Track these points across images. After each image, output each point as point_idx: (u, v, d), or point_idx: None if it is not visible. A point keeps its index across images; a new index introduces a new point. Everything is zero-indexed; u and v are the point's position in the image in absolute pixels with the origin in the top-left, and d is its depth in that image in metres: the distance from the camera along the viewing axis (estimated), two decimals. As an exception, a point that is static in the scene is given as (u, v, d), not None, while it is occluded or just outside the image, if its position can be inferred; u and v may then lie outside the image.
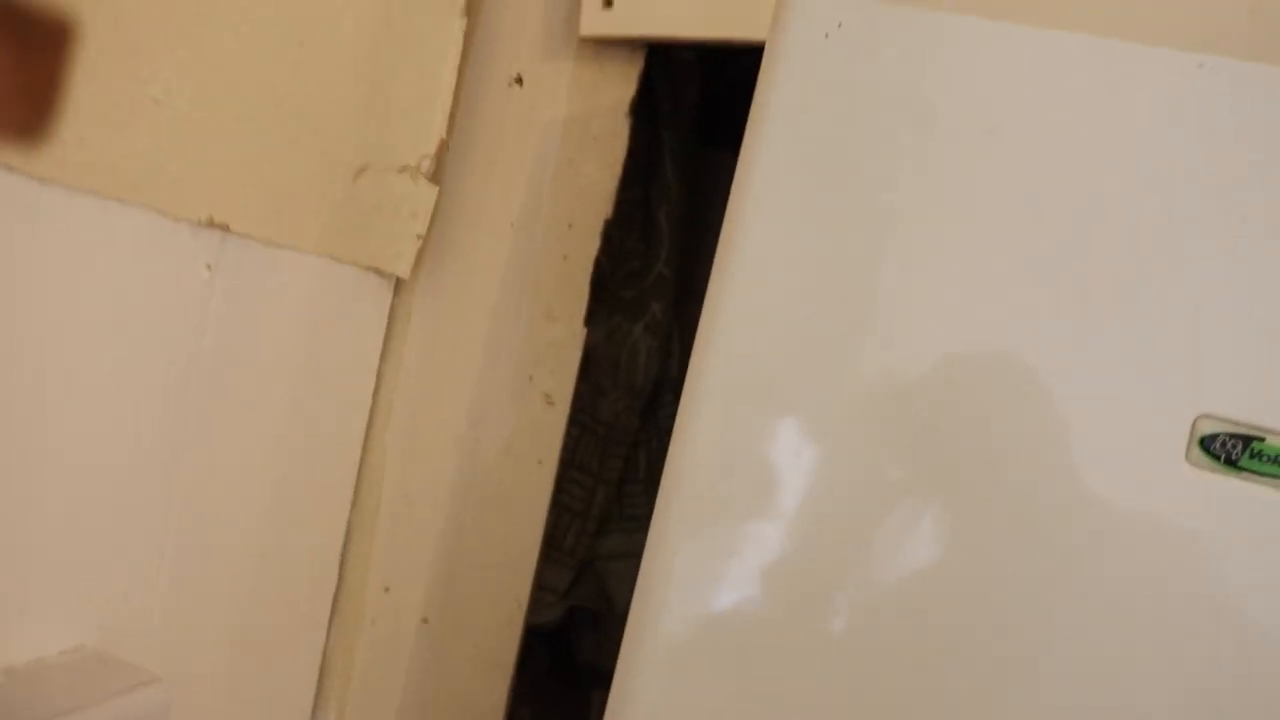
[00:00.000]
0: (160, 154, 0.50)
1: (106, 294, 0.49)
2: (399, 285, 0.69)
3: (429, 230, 0.67)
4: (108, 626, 0.52)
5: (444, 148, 0.68)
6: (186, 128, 0.51)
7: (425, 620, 0.70)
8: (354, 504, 0.68)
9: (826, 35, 0.57)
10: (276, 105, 0.56)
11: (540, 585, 0.80)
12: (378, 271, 0.67)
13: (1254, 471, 0.53)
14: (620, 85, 0.69)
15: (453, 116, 0.68)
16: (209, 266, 0.54)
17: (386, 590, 0.69)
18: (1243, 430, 0.53)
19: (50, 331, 0.47)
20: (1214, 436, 0.53)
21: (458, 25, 0.67)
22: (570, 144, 0.69)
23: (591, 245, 0.69)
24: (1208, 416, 0.53)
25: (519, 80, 0.69)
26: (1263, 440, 0.52)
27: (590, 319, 0.72)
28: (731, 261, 0.59)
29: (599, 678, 0.77)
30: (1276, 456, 0.52)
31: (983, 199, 0.56)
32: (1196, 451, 0.53)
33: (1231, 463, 0.53)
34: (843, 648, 0.58)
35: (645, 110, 0.78)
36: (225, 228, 0.54)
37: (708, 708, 0.59)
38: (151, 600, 0.55)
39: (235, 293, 0.56)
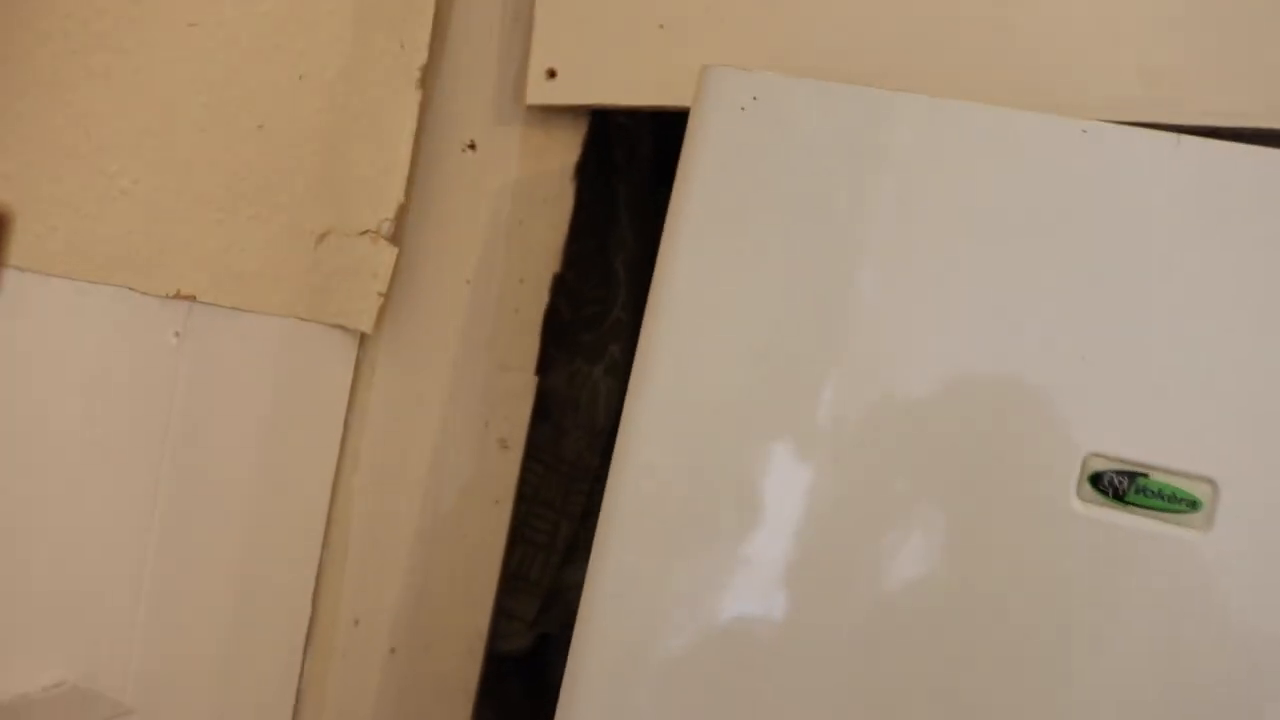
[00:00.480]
0: (130, 237, 0.55)
1: (82, 362, 0.54)
2: (363, 340, 0.74)
3: (390, 288, 0.72)
4: (89, 663, 0.57)
5: (403, 211, 0.73)
6: (154, 212, 0.56)
7: (393, 651, 0.75)
8: (324, 544, 0.73)
9: (742, 108, 0.62)
10: (239, 184, 0.61)
11: (509, 615, 0.85)
12: (342, 328, 0.72)
13: (1139, 505, 0.57)
14: (566, 149, 0.74)
15: (410, 181, 0.73)
16: (177, 334, 0.59)
17: (356, 623, 0.74)
18: (1128, 467, 0.57)
19: (31, 396, 0.52)
20: (1101, 474, 0.57)
21: (413, 97, 0.72)
22: (520, 205, 0.74)
23: (541, 298, 0.74)
24: (1096, 455, 0.57)
25: (472, 146, 0.75)
26: (1146, 476, 0.57)
27: (545, 366, 0.77)
28: (661, 313, 0.63)
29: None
30: (1160, 490, 0.57)
31: (884, 252, 0.60)
32: (1087, 487, 0.58)
33: (1119, 497, 0.57)
34: (773, 665, 0.62)
35: (600, 164, 0.83)
36: (192, 298, 0.59)
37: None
38: (130, 639, 0.60)
39: (203, 355, 0.61)
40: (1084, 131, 0.59)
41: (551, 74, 0.71)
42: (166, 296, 0.58)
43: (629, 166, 0.88)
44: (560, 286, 0.79)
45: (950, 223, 0.60)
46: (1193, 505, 0.56)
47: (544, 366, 0.77)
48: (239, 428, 0.65)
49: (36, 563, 0.55)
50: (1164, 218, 0.57)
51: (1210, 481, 0.56)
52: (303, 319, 0.68)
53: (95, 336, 0.55)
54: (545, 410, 0.83)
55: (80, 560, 0.57)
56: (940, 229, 0.60)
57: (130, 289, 0.56)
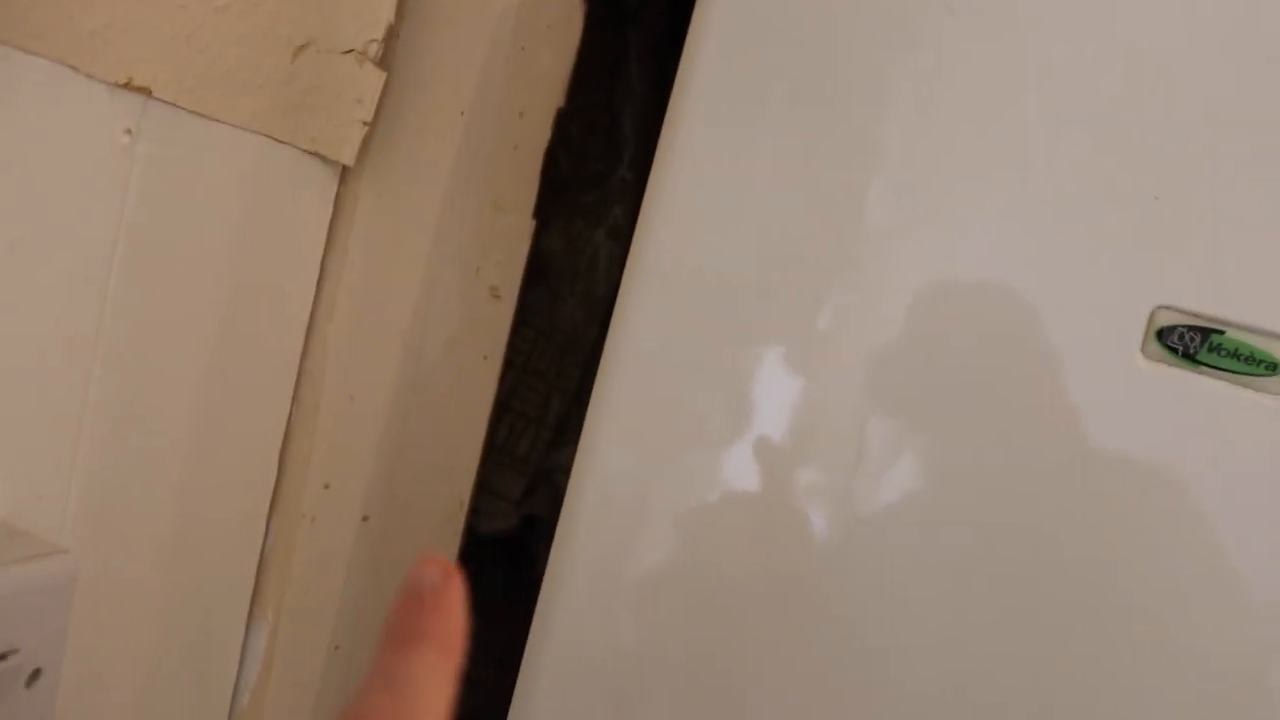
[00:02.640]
0: (72, 4, 0.47)
1: (9, 144, 0.47)
2: (345, 173, 0.67)
3: (376, 117, 0.65)
4: (20, 499, 0.51)
5: (393, 32, 0.65)
6: (101, -20, 0.48)
7: (366, 518, 0.69)
8: (294, 398, 0.67)
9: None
10: (205, -32, 0.54)
11: (493, 492, 0.79)
12: (321, 158, 0.64)
13: (1212, 366, 0.51)
14: (576, -30, 0.66)
15: (402, 0, 0.65)
16: (128, 131, 0.52)
17: (326, 487, 0.67)
18: (1202, 323, 0.51)
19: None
20: (1172, 329, 0.51)
21: (408, -97, 0.64)
22: (523, 31, 0.67)
23: (543, 135, 0.67)
24: (1166, 308, 0.51)
25: (472, -37, 0.67)
26: (1222, 333, 0.50)
27: (543, 214, 0.70)
28: (663, 191, 0.57)
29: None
30: (1235, 350, 0.50)
31: (927, 86, 0.54)
32: (1154, 344, 0.51)
33: (1189, 356, 0.51)
34: (772, 581, 0.56)
35: (611, 10, 0.76)
36: (147, 92, 0.52)
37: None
38: (69, 476, 0.53)
39: (159, 160, 0.54)
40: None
41: (564, -119, 0.64)
42: (115, 84, 0.50)
43: (642, 12, 0.80)
44: (562, 134, 0.72)
45: (1001, 47, 0.53)
46: (1272, 368, 0.50)
47: (542, 214, 0.70)
48: (200, 252, 0.58)
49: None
50: (1251, 36, 0.50)
51: (1293, 342, 0.50)
52: (276, 139, 0.61)
53: (27, 118, 0.47)
54: (540, 273, 0.76)
55: (8, 384, 0.50)
56: (988, 53, 0.53)
57: (71, 67, 0.48)
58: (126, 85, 0.51)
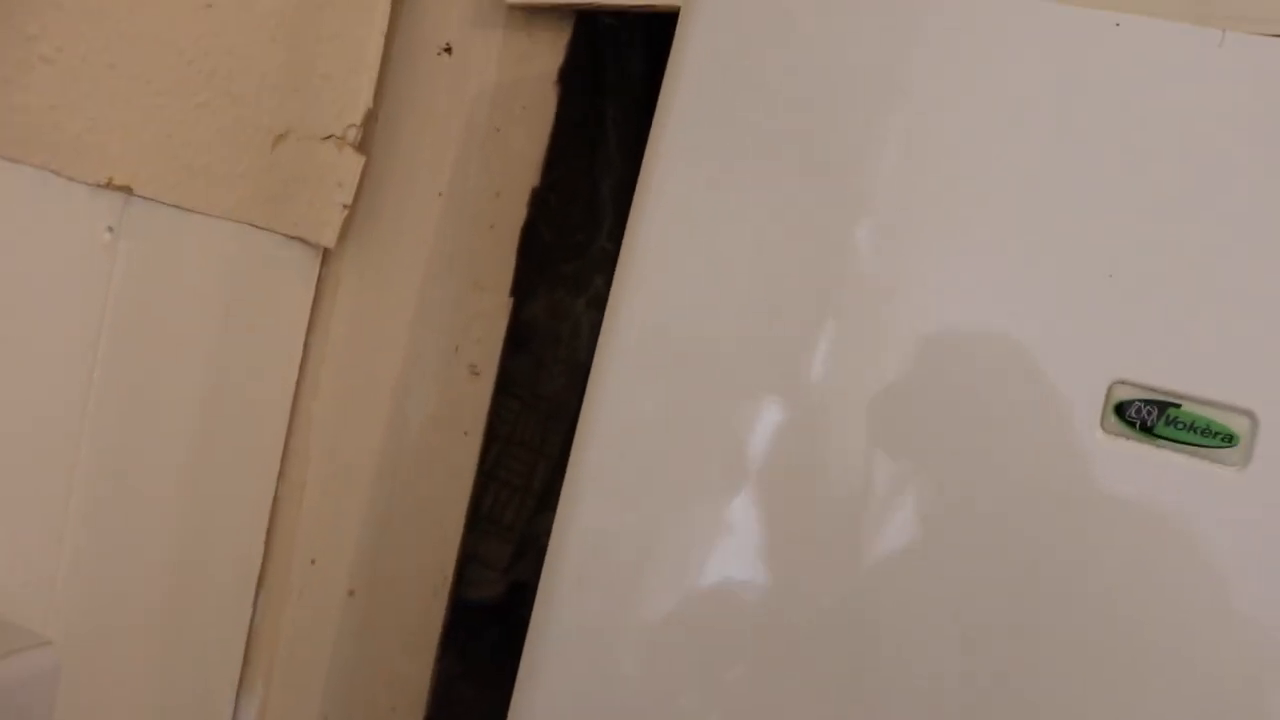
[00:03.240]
0: (53, 113, 0.49)
1: (-6, 252, 0.49)
2: (326, 255, 0.68)
3: (356, 200, 0.67)
4: (4, 592, 0.52)
5: (371, 117, 0.67)
6: (81, 88, 0.50)
7: (352, 593, 0.69)
8: (280, 475, 0.68)
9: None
10: (184, 67, 0.55)
11: (480, 561, 0.80)
12: (303, 241, 0.66)
13: (1170, 439, 0.52)
14: (549, 54, 0.68)
15: (380, 85, 0.67)
16: (110, 229, 0.54)
17: (313, 562, 0.68)
18: (1158, 397, 0.52)
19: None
20: (1129, 403, 0.52)
21: (384, -8, 0.66)
22: (499, 113, 0.68)
23: (519, 214, 0.68)
24: (1123, 383, 0.52)
25: (448, 49, 0.69)
26: (1179, 407, 0.51)
27: (525, 290, 0.71)
28: (640, 241, 0.58)
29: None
30: (1193, 423, 0.51)
31: (886, 163, 0.55)
32: (1112, 419, 0.52)
33: (1148, 430, 0.52)
34: (757, 629, 0.57)
35: (589, 82, 0.77)
36: (128, 190, 0.54)
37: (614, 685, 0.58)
38: (55, 569, 0.54)
39: (141, 254, 0.56)
40: (1117, 25, 0.53)
41: (535, -31, 0.66)
42: (97, 185, 0.52)
43: (620, 86, 0.82)
44: (542, 207, 0.73)
45: (965, 125, 0.54)
46: (1228, 439, 0.51)
47: (521, 290, 0.71)
48: (184, 337, 0.60)
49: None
50: (1203, 121, 0.51)
51: (1248, 414, 0.50)
52: (258, 227, 0.63)
53: (12, 222, 0.49)
54: (524, 342, 0.78)
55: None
56: (954, 132, 0.54)
57: (54, 172, 0.50)
58: (108, 185, 0.53)
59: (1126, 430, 0.52)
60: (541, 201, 0.73)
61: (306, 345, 0.68)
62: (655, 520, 0.59)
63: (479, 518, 0.78)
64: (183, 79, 0.55)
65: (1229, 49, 0.52)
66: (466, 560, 0.77)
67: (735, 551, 0.57)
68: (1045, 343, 0.53)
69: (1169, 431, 0.51)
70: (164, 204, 0.56)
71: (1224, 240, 0.51)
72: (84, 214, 0.52)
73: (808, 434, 0.57)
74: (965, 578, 0.54)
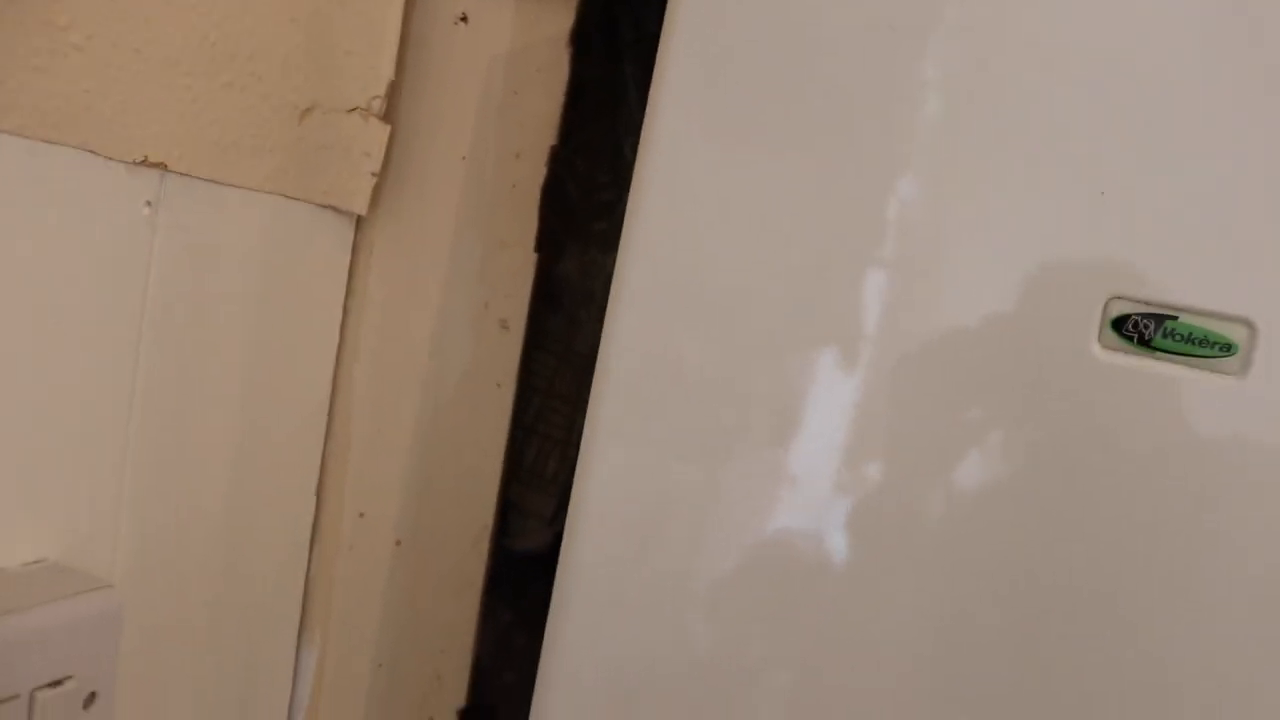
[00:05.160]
0: (86, 96, 0.53)
1: (41, 225, 0.52)
2: (359, 222, 0.71)
3: (383, 167, 0.70)
4: (70, 542, 0.56)
5: (394, 88, 0.70)
6: (112, 72, 0.54)
7: (399, 543, 0.73)
8: (327, 433, 0.72)
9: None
10: (210, 49, 0.59)
11: (525, 512, 0.83)
12: (335, 209, 0.69)
13: (1168, 351, 0.52)
14: (560, 17, 0.71)
15: (401, 57, 0.70)
16: (149, 204, 0.57)
17: (361, 516, 0.72)
18: (1155, 310, 0.53)
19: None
20: (1126, 318, 0.53)
21: (400, -33, 0.69)
22: (515, 77, 0.71)
23: (539, 172, 0.71)
24: (1119, 298, 0.53)
25: (464, 18, 0.71)
26: (1175, 319, 0.52)
27: (549, 245, 0.74)
28: (648, 192, 0.60)
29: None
30: (1190, 334, 0.52)
31: (888, 93, 0.56)
32: (1110, 334, 0.53)
33: (1145, 343, 0.53)
34: (773, 573, 0.59)
35: (605, 42, 0.80)
36: (163, 166, 0.57)
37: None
38: (115, 522, 0.59)
39: (180, 227, 0.59)
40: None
41: (541, -66, 0.68)
42: (133, 163, 0.56)
43: (637, 44, 0.84)
44: (568, 168, 0.76)
45: (954, 48, 0.55)
46: (1227, 349, 0.52)
47: (547, 246, 0.74)
48: (227, 305, 0.64)
49: (10, 440, 0.53)
50: (1185, 28, 0.52)
51: (1246, 322, 0.51)
52: (291, 198, 0.66)
53: (54, 200, 0.53)
54: (558, 300, 0.80)
55: (56, 439, 0.55)
56: (948, 53, 0.55)
57: (91, 152, 0.54)
58: (143, 162, 0.56)
59: (1124, 344, 0.53)
60: (566, 163, 0.76)
61: (345, 308, 0.71)
62: (677, 469, 0.61)
63: (522, 470, 0.81)
64: (208, 60, 0.59)
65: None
66: (512, 512, 0.80)
67: (755, 499, 0.59)
68: (1040, 264, 0.54)
69: (1167, 344, 0.52)
70: (199, 179, 0.60)
71: (1212, 149, 0.51)
72: (123, 190, 0.56)
73: (818, 374, 0.58)
74: (981, 506, 0.55)
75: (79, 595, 0.52)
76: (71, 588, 0.53)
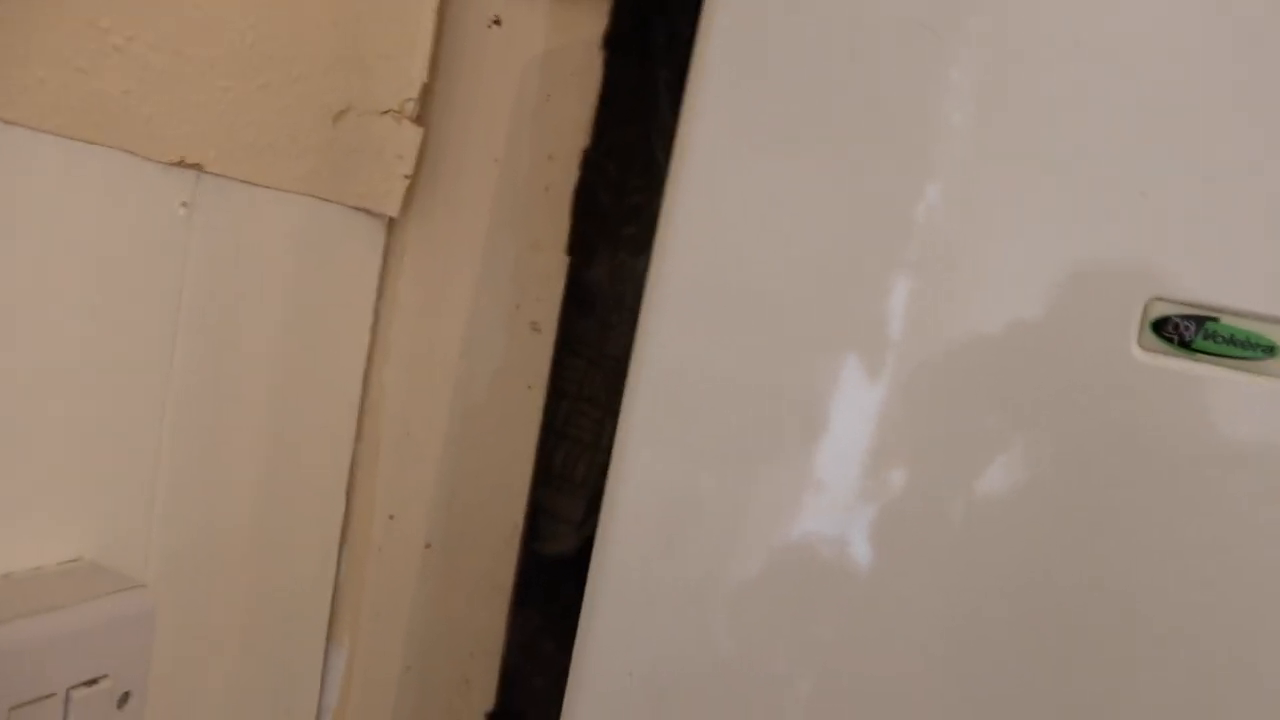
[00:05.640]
0: (125, 98, 0.53)
1: (80, 224, 0.53)
2: (391, 224, 0.72)
3: (416, 170, 0.70)
4: (105, 541, 0.56)
5: (427, 91, 0.70)
6: (151, 73, 0.54)
7: (428, 546, 0.73)
8: (357, 436, 0.72)
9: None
10: (246, 52, 0.59)
11: (554, 516, 0.83)
12: (368, 212, 0.70)
13: (1209, 353, 0.52)
14: (594, 20, 0.71)
15: (434, 60, 0.70)
16: (185, 204, 0.58)
17: (391, 518, 0.72)
18: (1195, 311, 0.52)
19: (26, 255, 0.51)
20: (1166, 319, 0.53)
21: (434, -30, 0.70)
22: (548, 79, 0.71)
23: (572, 175, 0.71)
24: (1160, 299, 0.53)
25: (497, 21, 0.72)
26: (1216, 320, 0.52)
27: (580, 249, 0.73)
28: (683, 200, 0.60)
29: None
30: (1231, 336, 0.52)
31: (922, 95, 0.56)
32: (1150, 335, 0.53)
33: (1186, 345, 0.52)
34: (805, 581, 0.58)
35: (638, 46, 0.80)
36: (199, 167, 0.58)
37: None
38: (149, 519, 0.59)
39: (215, 227, 0.59)
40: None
41: (575, -62, 0.68)
42: (169, 164, 0.56)
43: (670, 49, 0.84)
44: (599, 172, 0.76)
45: (993, 53, 0.55)
46: (1269, 350, 0.51)
47: (579, 249, 0.74)
48: (261, 309, 0.64)
49: (46, 439, 0.53)
50: (1229, 28, 0.51)
51: (1288, 324, 0.51)
52: (324, 199, 0.66)
53: (92, 199, 0.53)
54: (588, 304, 0.80)
55: (91, 438, 0.55)
56: (984, 60, 0.55)
57: (129, 152, 0.54)
58: (180, 163, 0.57)
59: (1164, 346, 0.52)
60: (597, 166, 0.76)
61: (376, 310, 0.71)
62: (703, 477, 0.60)
63: (551, 474, 0.81)
64: (245, 62, 0.59)
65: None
66: (541, 516, 0.80)
67: (786, 504, 0.59)
68: (1080, 265, 0.54)
69: (1207, 345, 0.52)
70: (234, 180, 0.60)
71: (1255, 151, 0.51)
72: (160, 190, 0.56)
73: (852, 378, 0.58)
74: (1020, 508, 0.55)
75: (114, 595, 0.52)
76: (106, 587, 0.53)
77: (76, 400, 0.54)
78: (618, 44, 0.73)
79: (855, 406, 0.57)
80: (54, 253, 0.52)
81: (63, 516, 0.55)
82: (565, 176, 0.71)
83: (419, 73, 0.70)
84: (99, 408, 0.55)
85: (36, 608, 0.49)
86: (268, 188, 0.62)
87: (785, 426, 0.59)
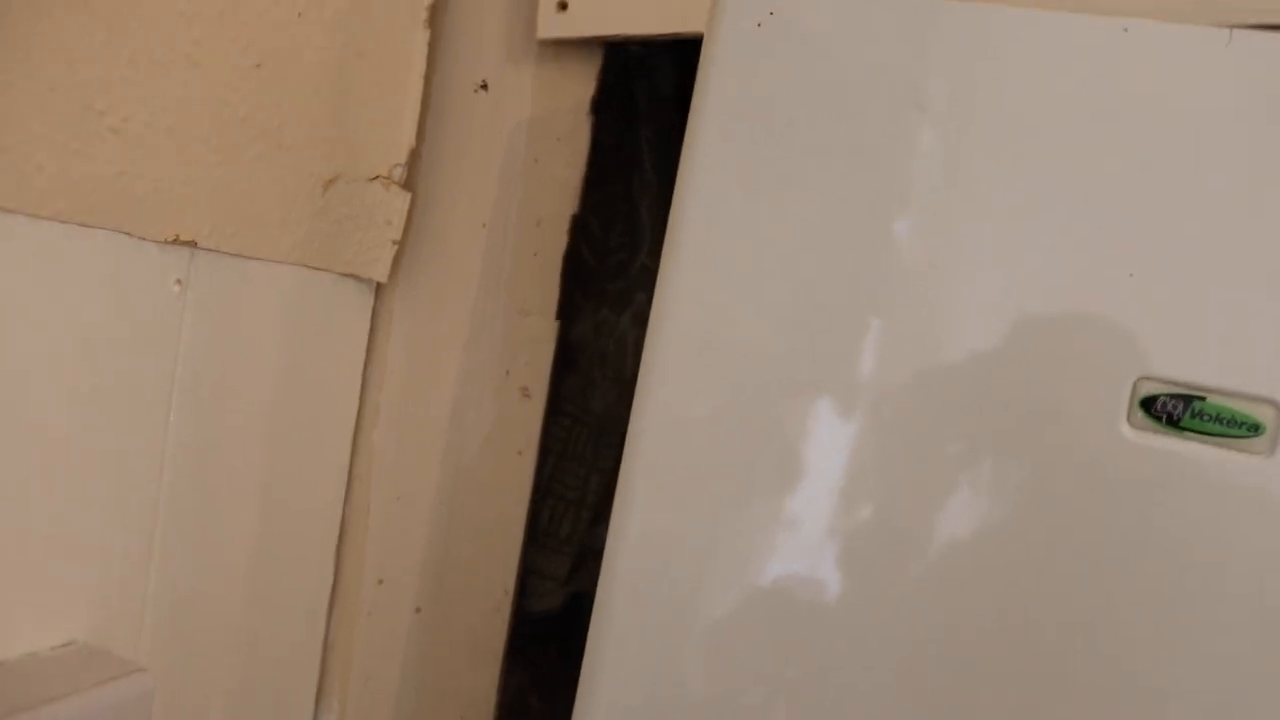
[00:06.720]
0: (121, 179, 0.53)
1: (76, 308, 0.52)
2: (379, 290, 0.71)
3: (404, 235, 0.70)
4: (98, 622, 0.56)
5: (415, 155, 0.70)
6: (146, 153, 0.54)
7: (419, 610, 0.73)
8: (346, 502, 0.71)
9: (759, 24, 0.58)
10: (238, 126, 0.59)
11: (541, 574, 0.83)
12: (357, 278, 0.69)
13: (1197, 431, 0.53)
14: (581, 85, 0.71)
15: (422, 125, 0.70)
16: (179, 282, 0.57)
17: (380, 583, 0.72)
18: (1183, 390, 0.53)
19: (23, 343, 0.50)
20: (1154, 398, 0.54)
21: (421, 37, 0.70)
22: (536, 144, 0.71)
23: (560, 240, 0.71)
24: (1148, 378, 0.54)
25: (484, 86, 0.72)
26: (1204, 399, 0.53)
27: (568, 312, 0.74)
28: (679, 254, 0.60)
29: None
30: (1218, 415, 0.53)
31: (912, 171, 0.57)
32: (1139, 414, 0.54)
33: (1174, 423, 0.53)
34: (804, 622, 0.59)
35: (622, 106, 0.80)
36: (193, 244, 0.57)
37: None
38: (143, 597, 0.58)
39: (208, 304, 0.59)
40: (1125, 30, 0.55)
41: (562, 6, 0.68)
42: (165, 242, 0.56)
43: (651, 108, 0.85)
44: (583, 231, 0.76)
45: (983, 136, 0.56)
46: (1255, 429, 0.52)
47: (567, 313, 0.74)
48: (252, 381, 0.63)
49: (39, 522, 0.53)
50: (1215, 119, 0.53)
51: (1273, 403, 0.52)
52: (314, 268, 0.66)
53: (89, 282, 0.53)
54: (572, 361, 0.81)
55: (85, 518, 0.55)
56: (973, 142, 0.56)
57: (125, 233, 0.54)
58: (174, 241, 0.56)
59: (1153, 425, 0.53)
60: (582, 226, 0.76)
61: (365, 376, 0.71)
62: (707, 521, 0.61)
63: (537, 532, 0.81)
64: (237, 135, 0.59)
65: (1237, 47, 0.54)
66: (527, 574, 0.80)
67: (787, 549, 0.59)
68: (1070, 343, 0.55)
69: (1195, 424, 0.53)
70: (226, 254, 0.60)
71: (1239, 235, 0.52)
72: (154, 269, 0.56)
73: (847, 430, 0.58)
74: (1006, 575, 0.55)
75: (113, 681, 0.52)
76: (105, 673, 0.52)
77: (70, 482, 0.54)
78: (605, 108, 0.74)
79: (842, 469, 0.58)
80: (49, 336, 0.51)
81: (55, 599, 0.54)
82: (553, 241, 0.71)
83: (407, 138, 0.70)
84: (93, 488, 0.55)
85: (37, 699, 0.48)
86: (259, 259, 0.62)
87: (783, 476, 0.59)
